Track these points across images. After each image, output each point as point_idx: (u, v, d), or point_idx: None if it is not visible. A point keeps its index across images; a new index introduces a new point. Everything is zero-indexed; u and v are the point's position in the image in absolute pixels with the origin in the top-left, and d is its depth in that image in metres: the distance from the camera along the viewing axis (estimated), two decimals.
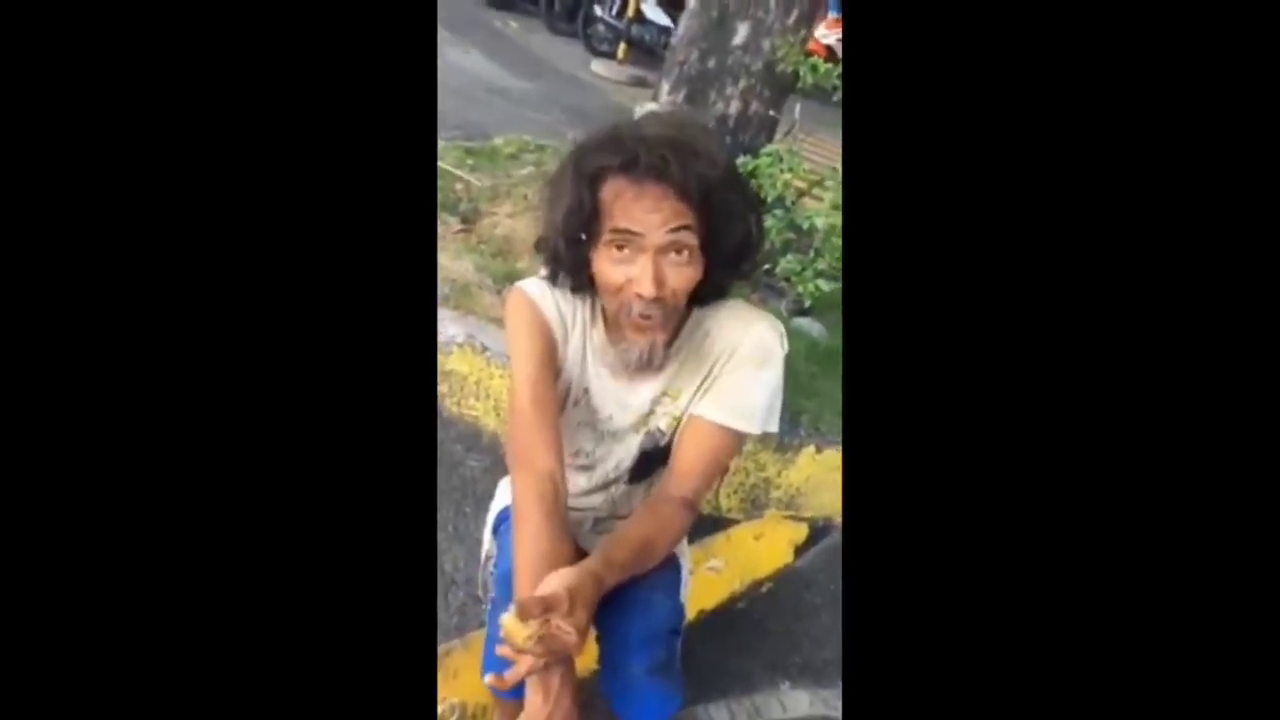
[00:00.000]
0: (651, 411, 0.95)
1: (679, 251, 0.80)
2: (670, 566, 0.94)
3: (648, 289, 0.78)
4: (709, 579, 1.57)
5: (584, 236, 0.82)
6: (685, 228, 0.79)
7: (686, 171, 0.77)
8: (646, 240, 0.78)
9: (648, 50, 5.98)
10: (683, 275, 0.81)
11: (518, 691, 0.75)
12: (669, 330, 0.85)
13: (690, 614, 1.47)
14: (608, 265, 0.82)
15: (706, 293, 0.87)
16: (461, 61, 4.99)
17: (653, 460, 0.99)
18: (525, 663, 0.71)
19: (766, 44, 2.30)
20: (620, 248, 0.80)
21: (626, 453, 0.98)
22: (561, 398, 0.94)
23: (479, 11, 6.61)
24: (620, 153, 0.79)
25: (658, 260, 0.79)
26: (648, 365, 0.87)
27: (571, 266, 0.86)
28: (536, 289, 0.91)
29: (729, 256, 0.84)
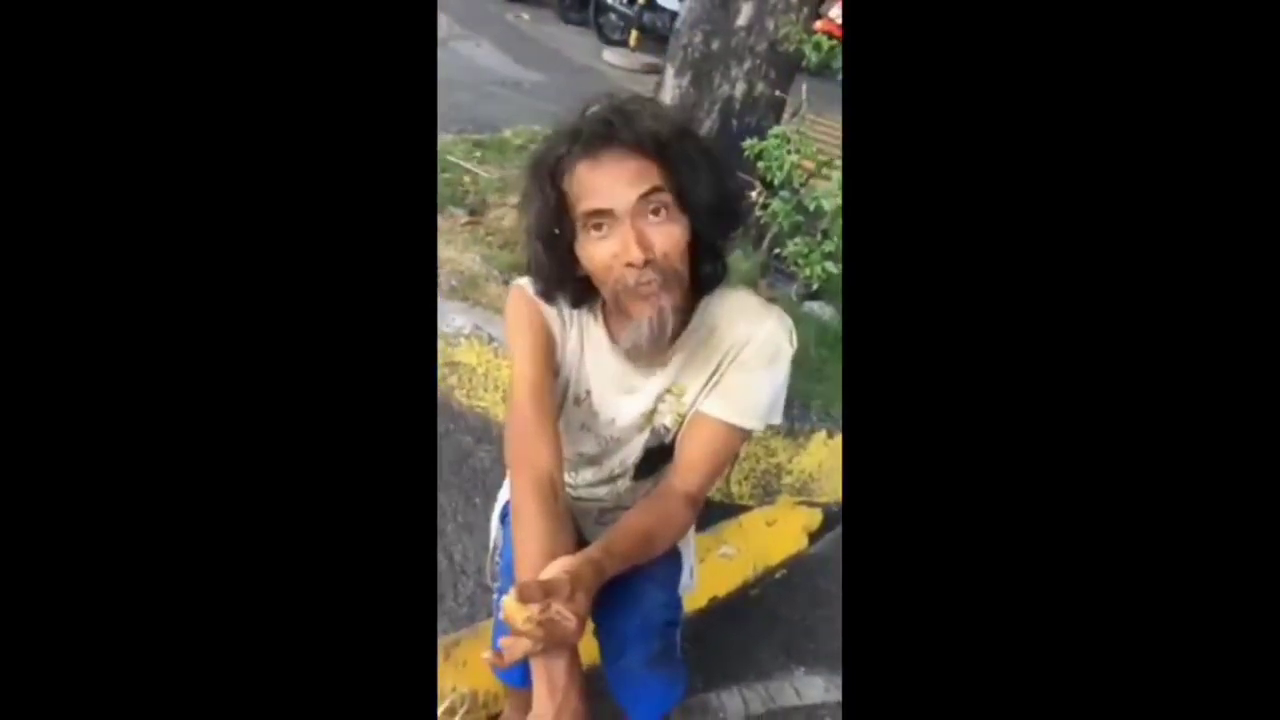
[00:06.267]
0: (655, 409, 0.94)
1: (655, 212, 0.78)
2: (669, 558, 0.93)
3: (635, 254, 0.77)
4: (721, 566, 1.56)
5: (557, 231, 0.82)
6: (654, 186, 0.78)
7: (635, 129, 0.77)
8: (620, 211, 0.78)
9: (660, 37, 5.91)
10: (667, 234, 0.79)
11: (526, 678, 0.75)
12: (674, 295, 0.82)
13: (703, 601, 1.48)
14: (592, 249, 0.81)
15: (704, 261, 0.85)
16: (472, 55, 5.00)
17: (657, 457, 0.98)
18: (523, 644, 0.71)
19: (771, 23, 2.27)
20: (598, 227, 0.79)
21: (631, 451, 0.98)
22: (561, 396, 0.93)
23: (490, 4, 6.62)
24: (568, 138, 0.80)
25: (637, 225, 0.78)
26: (660, 338, 0.83)
27: (556, 269, 0.84)
28: None
29: (709, 210, 0.82)
